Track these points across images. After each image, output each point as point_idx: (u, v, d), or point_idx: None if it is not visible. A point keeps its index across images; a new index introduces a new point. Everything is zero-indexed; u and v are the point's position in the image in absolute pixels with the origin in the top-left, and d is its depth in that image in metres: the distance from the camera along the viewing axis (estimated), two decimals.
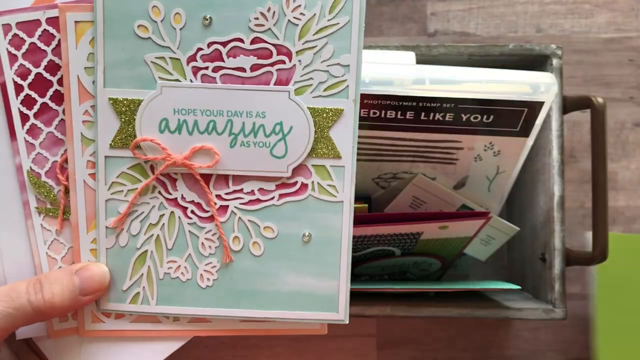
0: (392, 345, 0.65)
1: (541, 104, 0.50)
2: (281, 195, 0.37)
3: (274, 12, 0.36)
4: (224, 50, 0.36)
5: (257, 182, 0.37)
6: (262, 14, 0.36)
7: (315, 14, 0.36)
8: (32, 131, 0.38)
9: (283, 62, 0.36)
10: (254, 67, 0.36)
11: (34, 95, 0.38)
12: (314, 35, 0.36)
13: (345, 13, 0.36)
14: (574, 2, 0.67)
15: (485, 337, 0.66)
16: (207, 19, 0.36)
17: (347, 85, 0.36)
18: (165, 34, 0.36)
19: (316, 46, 0.36)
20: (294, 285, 0.37)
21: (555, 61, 0.55)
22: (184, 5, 0.36)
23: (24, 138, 0.38)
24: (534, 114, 0.51)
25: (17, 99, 0.38)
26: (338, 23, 0.36)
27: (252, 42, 0.36)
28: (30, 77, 0.38)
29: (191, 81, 0.36)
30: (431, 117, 0.50)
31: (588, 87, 0.67)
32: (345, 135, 0.37)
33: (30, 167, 0.38)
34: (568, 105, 0.55)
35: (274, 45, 0.36)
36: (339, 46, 0.36)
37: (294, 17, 0.36)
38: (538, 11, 0.68)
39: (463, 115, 0.50)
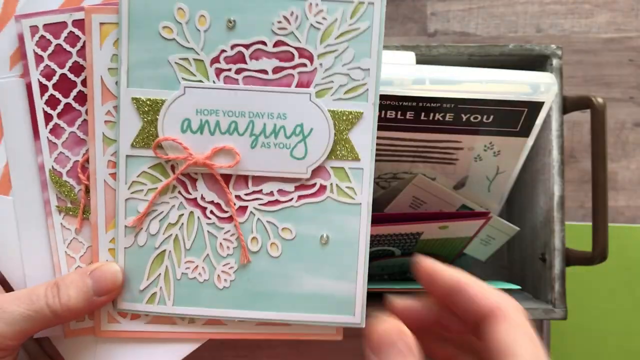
0: None
1: (541, 104, 0.50)
2: (300, 197, 0.37)
3: (297, 16, 0.36)
4: (246, 53, 0.36)
5: (276, 183, 0.37)
6: (285, 17, 0.36)
7: (336, 19, 0.36)
8: (55, 131, 0.38)
9: (304, 65, 0.37)
10: (276, 70, 0.37)
11: (58, 95, 0.38)
12: (335, 39, 0.37)
13: (366, 18, 0.36)
14: (574, 2, 0.68)
15: None
16: (231, 22, 0.36)
17: (367, 89, 0.37)
18: (190, 36, 0.36)
19: (337, 50, 0.37)
20: (310, 287, 0.37)
21: (555, 61, 0.55)
22: (209, 8, 0.36)
23: (47, 137, 0.38)
24: (534, 114, 0.51)
25: (41, 99, 0.38)
26: (359, 28, 0.36)
27: (275, 45, 0.36)
28: (55, 78, 0.38)
29: (214, 82, 0.36)
30: (431, 117, 0.50)
31: (588, 87, 0.67)
32: (365, 138, 0.37)
33: (52, 166, 0.39)
34: (568, 105, 0.55)
35: (296, 48, 0.36)
36: (359, 50, 0.37)
37: (316, 22, 0.36)
38: (538, 11, 0.68)
39: (463, 115, 0.50)
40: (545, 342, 0.66)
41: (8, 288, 0.39)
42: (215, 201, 0.37)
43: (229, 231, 0.38)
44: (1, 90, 0.38)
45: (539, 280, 0.57)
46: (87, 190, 0.38)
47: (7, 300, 0.36)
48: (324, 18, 0.36)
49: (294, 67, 0.37)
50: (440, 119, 0.50)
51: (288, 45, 0.36)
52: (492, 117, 0.50)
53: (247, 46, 0.36)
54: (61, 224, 0.39)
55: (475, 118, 0.50)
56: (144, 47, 0.36)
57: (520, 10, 0.68)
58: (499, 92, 0.49)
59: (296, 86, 0.37)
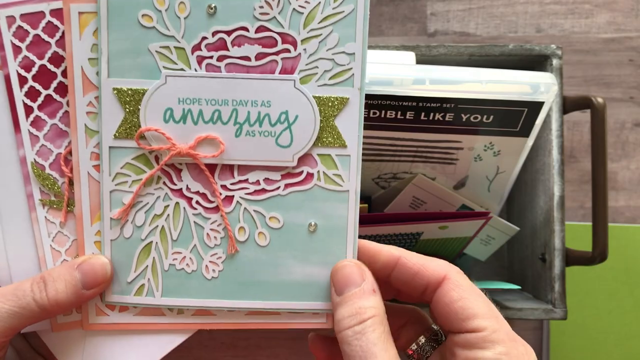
0: None
1: (541, 104, 0.50)
2: (287, 185, 0.37)
3: (279, 0, 0.36)
4: (228, 39, 0.36)
5: (262, 171, 0.37)
6: (267, 2, 0.36)
7: (320, 2, 0.36)
8: (36, 123, 0.38)
9: (288, 50, 0.36)
10: (259, 56, 0.36)
11: (38, 87, 0.38)
12: (318, 23, 0.36)
13: (350, 1, 0.36)
14: (574, 2, 0.68)
15: None
16: (211, 8, 0.36)
17: (353, 74, 0.36)
18: (170, 23, 0.36)
19: (321, 34, 0.36)
20: (299, 275, 0.37)
21: (555, 61, 0.55)
22: None
23: (28, 130, 0.38)
24: (534, 114, 0.51)
25: (21, 90, 0.37)
26: (343, 11, 0.36)
27: (257, 31, 0.36)
28: (34, 69, 0.37)
29: (196, 70, 0.36)
30: (431, 117, 0.50)
31: (588, 87, 0.67)
32: (351, 124, 0.37)
33: (35, 159, 0.38)
34: (568, 105, 0.55)
35: (278, 33, 0.36)
36: (344, 34, 0.36)
37: (299, 6, 0.36)
38: (538, 11, 0.68)
39: (463, 115, 0.50)
40: (545, 342, 0.66)
41: None
42: (201, 191, 0.37)
43: (215, 221, 0.37)
44: None
45: (539, 280, 0.57)
46: (71, 183, 0.38)
47: None
48: (306, 2, 0.36)
49: (277, 53, 0.36)
50: (440, 119, 0.50)
51: (270, 30, 0.36)
52: (492, 117, 0.50)
53: (228, 32, 0.36)
54: (45, 217, 0.38)
55: (475, 118, 0.50)
56: (124, 36, 0.36)
57: (520, 10, 0.68)
58: (499, 92, 0.49)
59: (280, 72, 0.36)
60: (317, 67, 0.36)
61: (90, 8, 0.36)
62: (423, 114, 0.50)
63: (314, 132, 0.37)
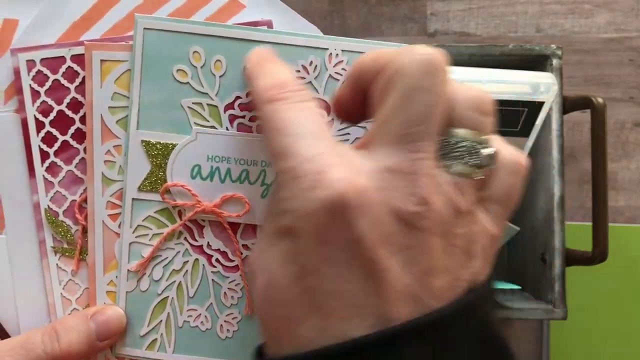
0: None
1: (541, 104, 0.50)
2: None
3: (316, 65, 0.36)
4: None
5: None
6: (303, 67, 0.36)
7: None
8: (52, 169, 0.37)
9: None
10: None
11: (55, 132, 0.37)
12: None
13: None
14: (574, 2, 0.68)
15: None
16: (247, 69, 0.36)
17: None
18: (204, 80, 0.35)
19: None
20: None
21: (555, 61, 0.55)
22: (226, 53, 0.35)
23: (43, 176, 0.37)
24: (534, 114, 0.51)
25: (37, 136, 0.37)
26: None
27: None
28: (52, 115, 0.37)
29: (227, 129, 0.36)
30: None
31: (588, 87, 0.67)
32: None
33: (48, 206, 0.37)
34: (568, 105, 0.55)
35: None
36: None
37: (335, 72, 0.36)
38: (538, 11, 0.68)
39: None
40: (545, 342, 0.66)
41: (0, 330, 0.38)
42: (222, 249, 0.36)
43: (234, 280, 0.37)
44: None
45: (539, 280, 0.57)
46: (85, 231, 0.37)
47: (1, 352, 0.33)
48: (343, 69, 0.36)
49: None
50: None
51: None
52: None
53: None
54: (57, 265, 0.37)
55: None
56: (157, 89, 0.35)
57: (520, 10, 0.68)
58: (499, 92, 0.49)
59: None
60: (348, 133, 0.36)
61: (112, 56, 0.36)
62: None
63: None
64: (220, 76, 0.36)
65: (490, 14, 0.68)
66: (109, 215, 0.37)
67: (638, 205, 0.67)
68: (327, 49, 0.36)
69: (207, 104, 0.36)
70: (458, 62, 0.56)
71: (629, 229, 0.66)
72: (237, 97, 0.36)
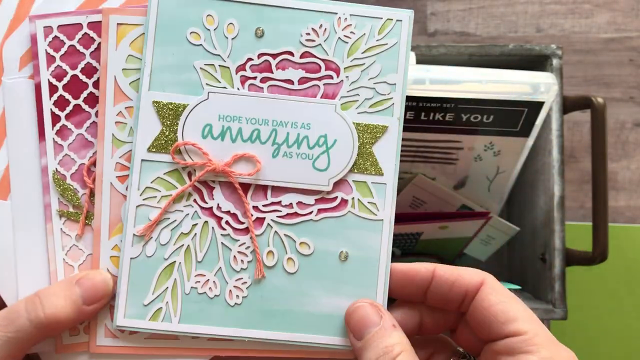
0: None
1: (541, 104, 0.50)
2: (320, 210, 0.37)
3: (325, 29, 0.36)
4: (273, 62, 0.36)
5: (296, 194, 0.37)
6: (313, 29, 0.36)
7: (364, 34, 0.37)
8: (62, 132, 0.37)
9: (331, 77, 0.37)
10: (302, 80, 0.36)
11: (67, 96, 0.37)
12: (362, 53, 0.37)
13: (394, 35, 0.37)
14: (574, 2, 0.68)
15: None
16: (260, 31, 0.36)
17: (393, 104, 0.37)
18: (217, 42, 0.36)
19: (364, 64, 0.37)
20: (327, 307, 0.36)
21: (555, 61, 0.55)
22: (238, 16, 0.36)
23: (53, 139, 0.37)
24: (534, 114, 0.51)
25: (50, 99, 0.37)
26: (386, 44, 0.37)
27: (302, 56, 0.36)
28: (66, 79, 0.37)
29: (238, 89, 0.36)
30: (431, 117, 0.50)
31: (588, 87, 0.67)
32: (389, 152, 0.37)
33: (56, 168, 0.37)
34: (568, 105, 0.55)
35: (323, 60, 0.36)
36: (386, 65, 0.37)
37: (344, 35, 0.37)
38: (538, 11, 0.68)
39: (463, 115, 0.50)
40: None
41: None
42: (232, 211, 0.36)
43: (244, 244, 0.36)
44: (8, 90, 0.37)
45: (539, 280, 0.57)
46: (92, 195, 0.37)
47: None
48: (352, 32, 0.36)
49: (319, 79, 0.36)
50: (440, 119, 0.50)
51: (315, 56, 0.36)
52: (492, 117, 0.50)
53: (274, 56, 0.36)
54: (61, 229, 0.37)
55: (475, 118, 0.50)
56: (170, 51, 0.36)
57: (520, 10, 0.68)
58: (499, 92, 0.49)
59: (321, 97, 0.36)
60: (358, 94, 0.37)
61: (129, 20, 0.36)
62: (423, 114, 0.50)
63: (351, 157, 0.36)
64: (233, 39, 0.36)
65: (490, 14, 0.68)
66: (117, 177, 0.37)
67: (638, 205, 0.67)
68: (337, 13, 0.37)
69: (219, 66, 0.36)
70: (458, 62, 0.56)
71: (629, 229, 0.66)
72: (249, 59, 0.36)
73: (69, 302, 0.34)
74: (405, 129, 0.51)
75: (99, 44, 0.37)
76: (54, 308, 0.33)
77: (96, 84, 0.37)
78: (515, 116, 0.51)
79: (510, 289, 0.55)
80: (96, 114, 0.37)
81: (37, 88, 0.37)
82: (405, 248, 0.57)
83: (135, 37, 0.36)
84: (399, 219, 0.54)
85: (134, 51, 0.36)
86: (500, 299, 0.33)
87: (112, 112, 0.37)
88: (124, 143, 0.37)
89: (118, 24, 0.36)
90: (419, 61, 0.54)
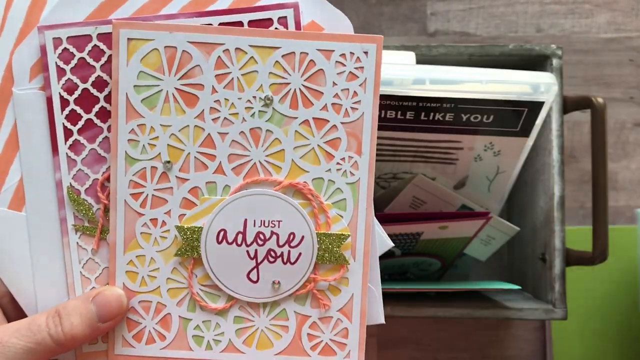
0: (393, 346, 0.65)
1: (541, 103, 0.50)
2: None
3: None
4: None
5: None
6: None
7: None
8: (75, 147, 0.37)
9: None
10: None
11: (79, 110, 0.37)
12: None
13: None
14: (574, 2, 0.68)
15: (485, 337, 0.66)
16: None
17: None
18: None
19: None
20: None
21: (555, 61, 0.55)
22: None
23: (66, 153, 0.37)
24: (534, 114, 0.51)
25: (62, 113, 0.37)
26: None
27: None
28: (77, 92, 0.37)
29: None
30: (431, 117, 0.50)
31: (588, 87, 0.67)
32: None
33: (70, 184, 0.37)
34: (568, 105, 0.55)
35: None
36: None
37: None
38: (538, 11, 0.68)
39: (463, 115, 0.50)
40: (548, 342, 0.66)
41: (13, 309, 0.38)
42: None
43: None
44: (20, 103, 0.37)
45: (539, 280, 0.57)
46: (106, 210, 0.37)
47: (7, 333, 0.34)
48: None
49: None
50: (440, 119, 0.50)
51: None
52: (492, 117, 0.50)
53: None
54: (77, 243, 0.38)
55: (475, 118, 0.50)
56: None
57: (520, 10, 0.68)
58: (499, 92, 0.49)
59: None
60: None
61: (139, 35, 0.36)
62: (423, 113, 0.50)
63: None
64: None
65: (491, 14, 0.68)
66: (131, 194, 0.37)
67: (638, 205, 0.67)
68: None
69: None
70: (458, 62, 0.56)
71: (629, 230, 0.66)
72: None
73: (86, 320, 0.35)
74: (405, 129, 0.51)
75: (109, 56, 0.37)
76: (71, 326, 0.35)
77: (107, 98, 0.37)
78: (515, 116, 0.51)
79: (510, 289, 0.55)
80: (108, 129, 0.37)
81: (49, 101, 0.37)
82: (405, 248, 0.57)
83: (147, 53, 0.36)
84: (399, 219, 0.54)
85: (145, 67, 0.36)
86: None
87: (125, 129, 0.37)
88: (137, 161, 0.37)
89: (129, 38, 0.36)
90: (419, 61, 0.54)
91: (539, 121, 0.51)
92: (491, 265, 0.65)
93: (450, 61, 0.56)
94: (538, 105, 0.50)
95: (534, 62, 0.56)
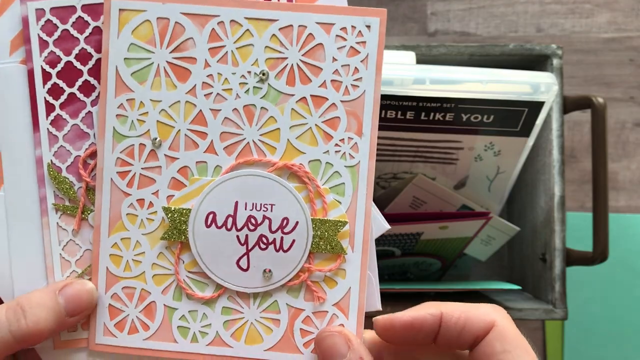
0: None
1: (541, 103, 0.50)
2: None
3: None
4: None
5: None
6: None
7: None
8: (57, 122, 0.35)
9: None
10: None
11: (62, 84, 0.35)
12: None
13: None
14: (574, 2, 0.67)
15: None
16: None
17: None
18: None
19: None
20: None
21: (555, 61, 0.55)
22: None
23: (47, 129, 0.35)
24: (535, 114, 0.51)
25: (43, 87, 0.35)
26: None
27: None
28: (60, 66, 0.35)
29: None
30: (431, 117, 0.50)
31: (588, 87, 0.67)
32: None
33: (51, 161, 0.35)
34: (568, 105, 0.55)
35: None
36: None
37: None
38: (538, 11, 0.67)
39: (463, 115, 0.50)
40: (545, 342, 0.66)
41: None
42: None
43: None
44: (0, 76, 0.36)
45: (539, 280, 0.57)
46: (88, 188, 0.36)
47: None
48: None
49: None
50: (441, 118, 0.50)
51: None
52: (492, 117, 0.50)
53: None
54: (57, 223, 0.36)
55: (476, 118, 0.50)
56: None
57: (520, 10, 0.68)
58: (500, 92, 0.49)
59: None
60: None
61: (131, 5, 0.35)
62: (423, 113, 0.50)
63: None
64: None
65: (491, 14, 0.68)
66: (117, 172, 0.35)
67: (638, 205, 0.67)
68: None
69: None
70: (458, 62, 0.56)
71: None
72: None
73: (52, 313, 0.32)
74: (405, 129, 0.51)
75: (94, 28, 0.35)
76: (36, 319, 0.32)
77: (91, 72, 0.36)
78: (515, 116, 0.51)
79: (510, 289, 0.55)
80: (92, 104, 0.36)
81: (30, 75, 0.36)
82: (405, 248, 0.57)
83: (138, 24, 0.35)
84: (399, 219, 0.54)
85: (137, 39, 0.35)
86: (505, 348, 0.31)
87: (113, 104, 0.35)
88: (125, 137, 0.35)
89: (120, 9, 0.35)
90: (419, 61, 0.54)
91: (539, 121, 0.51)
92: (491, 265, 0.65)
93: (451, 61, 0.56)
94: (538, 105, 0.50)
95: (534, 62, 0.56)
